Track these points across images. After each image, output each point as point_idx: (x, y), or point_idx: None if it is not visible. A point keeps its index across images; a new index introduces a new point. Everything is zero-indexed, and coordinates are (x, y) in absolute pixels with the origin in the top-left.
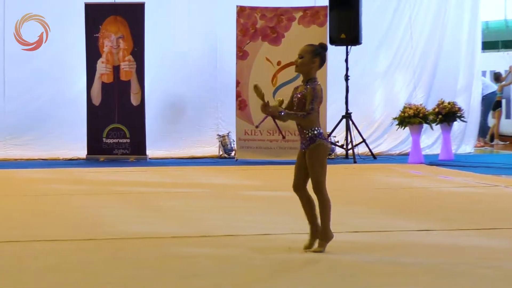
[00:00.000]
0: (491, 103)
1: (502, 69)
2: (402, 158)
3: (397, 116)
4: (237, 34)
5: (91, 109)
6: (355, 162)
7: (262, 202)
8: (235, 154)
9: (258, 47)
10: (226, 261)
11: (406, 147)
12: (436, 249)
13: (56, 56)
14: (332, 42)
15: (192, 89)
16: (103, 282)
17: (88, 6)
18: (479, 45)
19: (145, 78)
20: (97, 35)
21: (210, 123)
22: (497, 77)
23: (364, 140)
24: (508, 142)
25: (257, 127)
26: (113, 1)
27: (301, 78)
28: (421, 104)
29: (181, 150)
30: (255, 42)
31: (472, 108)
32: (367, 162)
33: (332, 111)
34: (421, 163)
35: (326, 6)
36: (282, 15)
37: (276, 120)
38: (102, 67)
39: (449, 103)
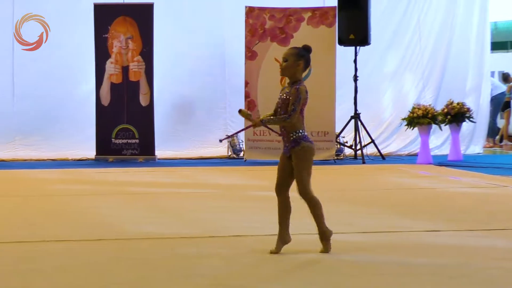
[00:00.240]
0: (500, 104)
1: (511, 70)
2: (411, 158)
3: (406, 116)
4: (245, 34)
5: (100, 109)
6: (364, 162)
7: (270, 202)
8: (243, 154)
9: (267, 47)
10: (234, 261)
11: (415, 148)
12: (444, 250)
13: (63, 56)
14: (341, 43)
15: (201, 89)
16: (111, 282)
17: (97, 7)
18: (488, 46)
19: (154, 78)
20: (106, 35)
21: (219, 124)
22: (505, 78)
23: (373, 141)
24: None
25: (220, 141)
26: (122, 1)
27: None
28: (430, 105)
29: (190, 151)
30: (264, 42)
31: (481, 108)
32: (376, 163)
33: (341, 111)
34: (430, 163)
35: (335, 7)
36: (291, 16)
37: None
38: (111, 67)
39: (458, 103)
